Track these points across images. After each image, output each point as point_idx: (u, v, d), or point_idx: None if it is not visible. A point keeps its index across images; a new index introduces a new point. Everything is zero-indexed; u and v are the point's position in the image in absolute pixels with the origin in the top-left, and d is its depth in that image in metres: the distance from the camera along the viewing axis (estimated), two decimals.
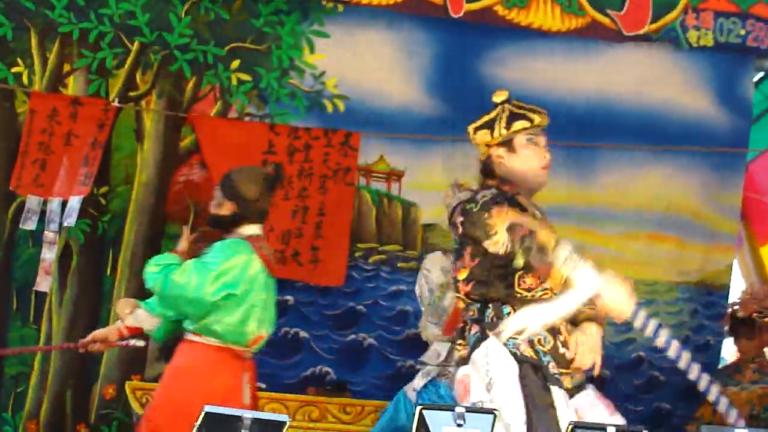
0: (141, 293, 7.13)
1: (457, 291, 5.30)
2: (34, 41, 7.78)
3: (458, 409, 4.53)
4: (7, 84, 7.71)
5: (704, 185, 8.48)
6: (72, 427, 7.71)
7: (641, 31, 8.08)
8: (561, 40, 8.18)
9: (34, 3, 7.70)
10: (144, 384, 7.40)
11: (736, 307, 7.51)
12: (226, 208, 5.85)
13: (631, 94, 8.38)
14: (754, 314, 7.40)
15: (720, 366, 7.75)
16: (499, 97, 5.49)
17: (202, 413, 4.95)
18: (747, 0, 8.16)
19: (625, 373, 8.27)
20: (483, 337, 5.20)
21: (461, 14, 7.85)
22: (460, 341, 5.33)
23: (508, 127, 5.40)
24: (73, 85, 7.84)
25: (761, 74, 9.08)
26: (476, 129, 5.47)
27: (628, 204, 8.41)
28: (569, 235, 8.03)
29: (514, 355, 5.15)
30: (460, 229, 5.26)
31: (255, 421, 4.81)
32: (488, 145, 5.43)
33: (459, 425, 4.47)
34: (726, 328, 7.65)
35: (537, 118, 5.47)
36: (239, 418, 4.82)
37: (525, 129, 5.42)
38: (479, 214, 5.19)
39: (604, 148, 8.34)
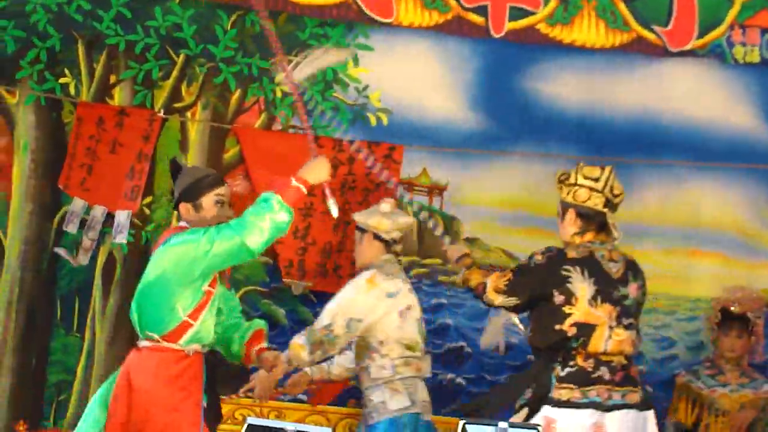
0: None
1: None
2: (81, 52, 7.86)
3: (501, 425, 4.56)
4: (54, 94, 7.81)
5: (750, 202, 8.39)
6: None
7: (687, 47, 8.15)
8: (604, 56, 8.22)
9: (82, 15, 7.79)
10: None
11: (730, 302, 7.40)
12: None
13: (675, 110, 8.31)
14: (749, 312, 7.34)
15: (698, 364, 7.65)
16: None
17: (246, 424, 4.97)
18: None
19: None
20: None
21: (503, 34, 7.95)
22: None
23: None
24: (119, 96, 7.93)
25: None
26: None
27: (668, 221, 8.30)
28: None
29: None
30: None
31: None
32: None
33: None
34: (716, 322, 7.45)
35: None
36: (282, 430, 4.95)
37: None
38: None
39: (645, 164, 8.27)
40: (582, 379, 5.88)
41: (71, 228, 7.61)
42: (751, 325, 7.36)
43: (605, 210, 6.14)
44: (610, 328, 5.94)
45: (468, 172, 8.18)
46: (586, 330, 5.93)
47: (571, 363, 5.98)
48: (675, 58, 8.19)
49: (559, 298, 6.00)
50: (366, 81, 8.11)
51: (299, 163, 7.71)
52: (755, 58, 8.18)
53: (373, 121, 8.12)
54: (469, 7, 7.97)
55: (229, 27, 7.97)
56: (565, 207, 6.17)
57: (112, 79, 7.89)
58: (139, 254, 7.77)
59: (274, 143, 7.97)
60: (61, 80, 7.81)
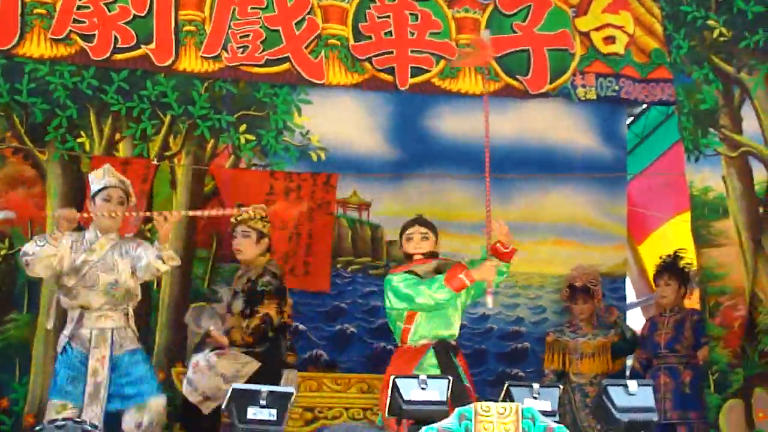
0: (182, 300, 7.45)
1: None
2: (92, 118, 7.88)
3: (422, 377, 4.80)
4: (74, 151, 7.84)
5: (596, 201, 8.54)
6: None
7: (542, 90, 8.18)
8: (482, 100, 7.96)
9: (92, 90, 7.81)
10: (185, 369, 7.21)
11: (574, 279, 7.57)
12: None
13: (538, 137, 8.46)
14: (588, 283, 7.51)
15: (561, 325, 7.80)
16: None
17: (230, 389, 4.91)
18: (619, 64, 8.25)
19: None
20: None
21: (407, 87, 8.00)
22: None
23: None
24: (123, 149, 7.93)
25: (631, 118, 9.34)
26: None
27: (537, 219, 8.42)
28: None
29: None
30: None
31: (270, 393, 4.85)
32: None
33: (423, 389, 4.73)
34: (566, 296, 7.64)
35: None
36: (258, 392, 4.88)
37: None
38: None
39: (518, 178, 8.38)
40: None
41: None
42: (592, 293, 7.51)
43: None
44: None
45: (387, 191, 8.28)
46: None
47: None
48: (534, 99, 8.24)
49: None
50: (308, 127, 8.20)
51: (259, 192, 7.80)
52: (593, 95, 8.22)
53: (314, 157, 8.21)
54: (381, 69, 7.99)
55: (203, 91, 7.97)
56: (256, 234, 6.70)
57: (117, 137, 7.91)
58: None
59: (241, 178, 8.03)
60: (79, 140, 7.83)
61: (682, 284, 7.48)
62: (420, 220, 6.38)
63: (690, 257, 7.47)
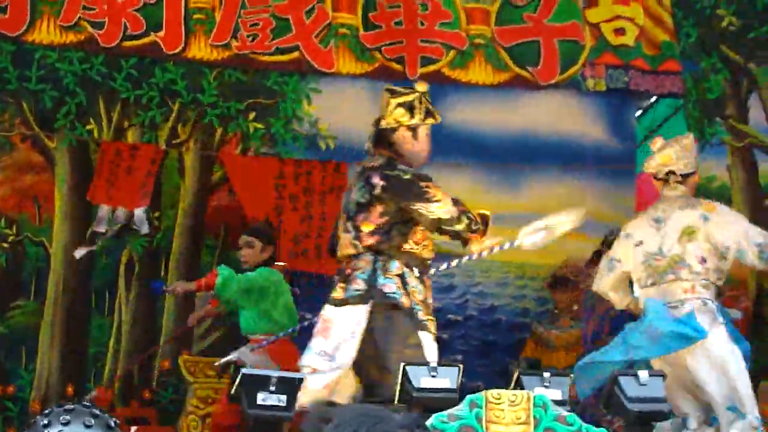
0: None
1: (358, 240, 5.23)
2: (101, 105, 7.86)
3: (432, 364, 4.76)
4: (83, 137, 7.84)
5: (605, 194, 8.49)
6: (138, 392, 7.79)
7: (552, 81, 8.18)
8: (492, 90, 8.23)
9: (101, 77, 7.79)
10: (191, 357, 7.44)
11: (559, 269, 7.74)
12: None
13: (547, 128, 8.40)
14: (568, 274, 7.66)
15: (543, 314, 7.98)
16: (422, 87, 5.51)
17: (240, 375, 4.88)
18: (629, 55, 8.24)
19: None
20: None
21: (416, 76, 7.90)
22: (341, 283, 5.28)
23: (424, 119, 5.45)
24: (132, 136, 7.92)
25: (641, 111, 9.27)
26: (397, 105, 5.39)
27: (545, 210, 7.79)
28: (503, 234, 8.33)
29: (394, 305, 5.14)
30: (378, 190, 5.20)
31: (280, 378, 4.80)
32: (397, 122, 5.35)
33: (433, 376, 4.72)
34: (547, 283, 7.81)
35: (438, 118, 5.56)
36: (268, 377, 4.83)
37: (431, 124, 5.50)
38: (414, 182, 5.23)
39: (527, 168, 8.40)
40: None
41: (100, 228, 7.63)
42: (571, 284, 7.68)
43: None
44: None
45: None
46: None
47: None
48: (544, 90, 8.23)
49: None
50: (317, 115, 8.13)
51: (267, 178, 7.93)
52: (602, 87, 8.25)
53: (323, 145, 8.15)
54: (390, 58, 8.00)
55: (212, 80, 7.93)
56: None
57: (126, 124, 7.89)
58: (152, 256, 7.92)
59: (250, 165, 8.02)
60: (88, 127, 7.81)
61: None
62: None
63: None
